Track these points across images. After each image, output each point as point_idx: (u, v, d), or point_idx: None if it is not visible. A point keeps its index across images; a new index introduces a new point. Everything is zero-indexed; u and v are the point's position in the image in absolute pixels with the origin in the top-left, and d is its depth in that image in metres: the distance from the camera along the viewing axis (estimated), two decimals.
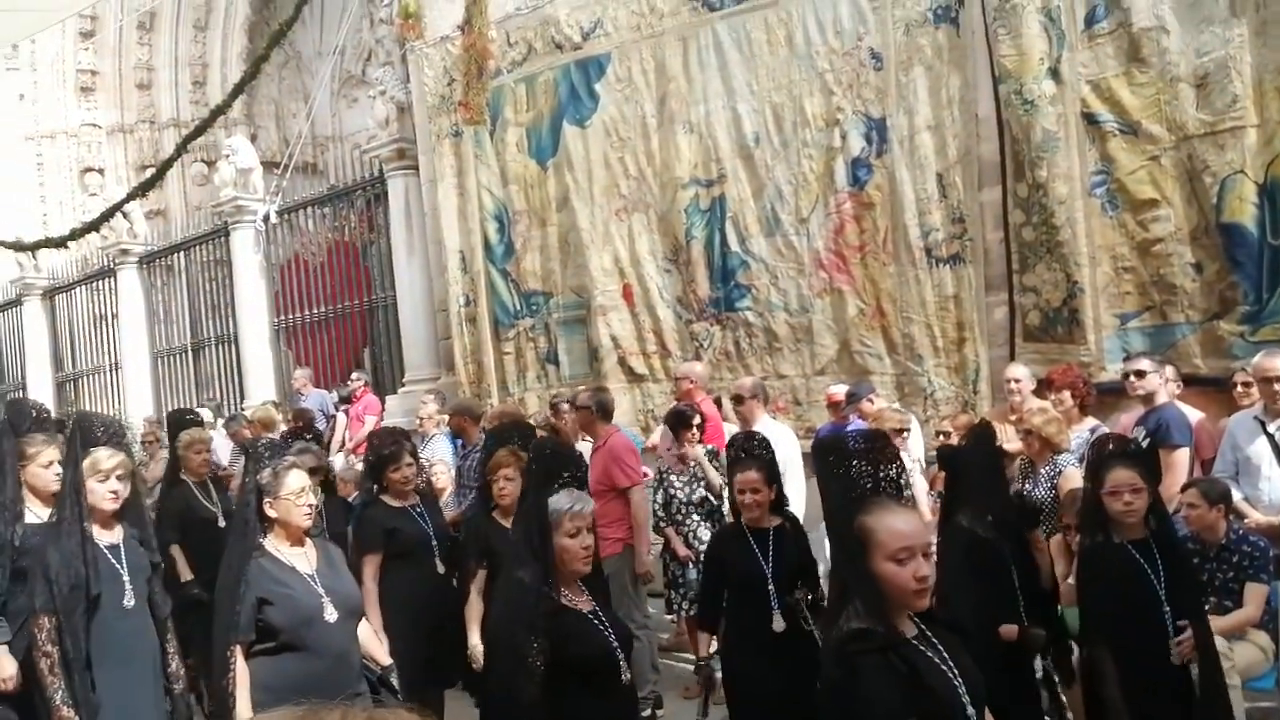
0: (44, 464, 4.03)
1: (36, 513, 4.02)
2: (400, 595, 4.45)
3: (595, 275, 8.35)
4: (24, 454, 4.03)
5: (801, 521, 4.21)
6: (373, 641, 3.77)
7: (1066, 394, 5.43)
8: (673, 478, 5.74)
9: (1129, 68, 5.91)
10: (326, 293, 11.44)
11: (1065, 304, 6.26)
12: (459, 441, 7.49)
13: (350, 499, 7.12)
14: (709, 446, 5.84)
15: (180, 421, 6.43)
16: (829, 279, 7.21)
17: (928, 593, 1.98)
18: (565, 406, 6.94)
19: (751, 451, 3.97)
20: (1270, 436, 4.70)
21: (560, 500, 2.90)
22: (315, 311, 11.56)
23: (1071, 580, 4.04)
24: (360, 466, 8.49)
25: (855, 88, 6.99)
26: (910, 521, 2.02)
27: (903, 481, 2.16)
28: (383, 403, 9.96)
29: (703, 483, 5.66)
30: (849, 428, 6.15)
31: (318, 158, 14.56)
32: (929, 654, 2.05)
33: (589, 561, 2.91)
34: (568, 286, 8.64)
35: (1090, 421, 5.42)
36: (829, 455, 2.05)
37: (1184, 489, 4.42)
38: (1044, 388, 5.73)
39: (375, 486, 4.71)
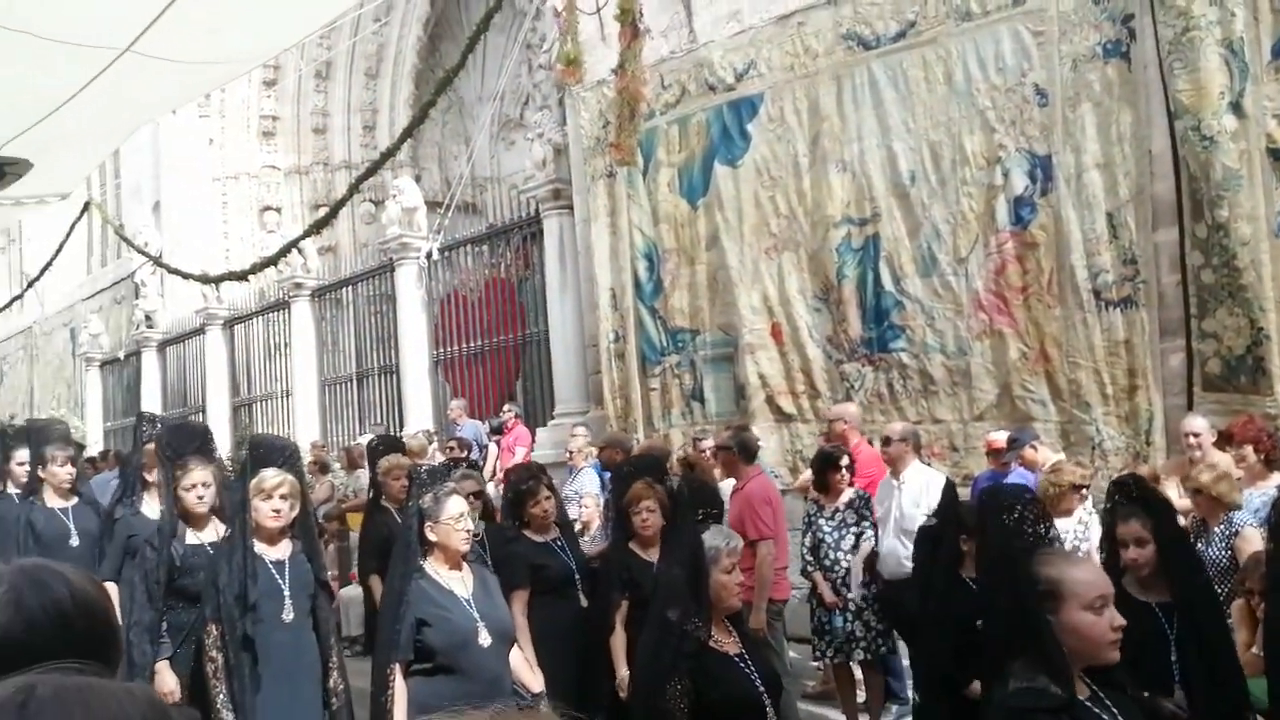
0: (186, 487, 4.25)
1: (194, 533, 4.28)
2: (547, 629, 4.50)
3: (743, 313, 8.35)
4: (176, 477, 4.27)
5: None
6: (524, 668, 3.84)
7: (1249, 449, 5.06)
8: (821, 521, 5.63)
9: None
10: (482, 327, 11.83)
11: (1249, 351, 5.86)
12: (607, 474, 7.60)
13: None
14: (859, 490, 5.71)
15: (381, 448, 6.66)
16: (989, 321, 6.97)
17: (1119, 643, 1.87)
18: (707, 443, 6.95)
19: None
20: None
21: (715, 537, 2.90)
22: (471, 345, 11.96)
23: (1257, 650, 3.73)
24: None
25: (1018, 124, 6.79)
26: (1096, 570, 1.93)
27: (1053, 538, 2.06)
28: (533, 435, 10.20)
29: (853, 528, 5.53)
30: (1010, 476, 5.91)
31: (477, 198, 15.15)
32: (1104, 717, 1.93)
33: (744, 598, 2.89)
34: (715, 324, 8.66)
35: (1277, 478, 5.03)
36: (997, 507, 1.97)
37: None
38: (1224, 441, 5.36)
39: (516, 522, 4.76)
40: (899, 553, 5.32)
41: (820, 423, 7.85)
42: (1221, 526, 4.54)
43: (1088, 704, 1.93)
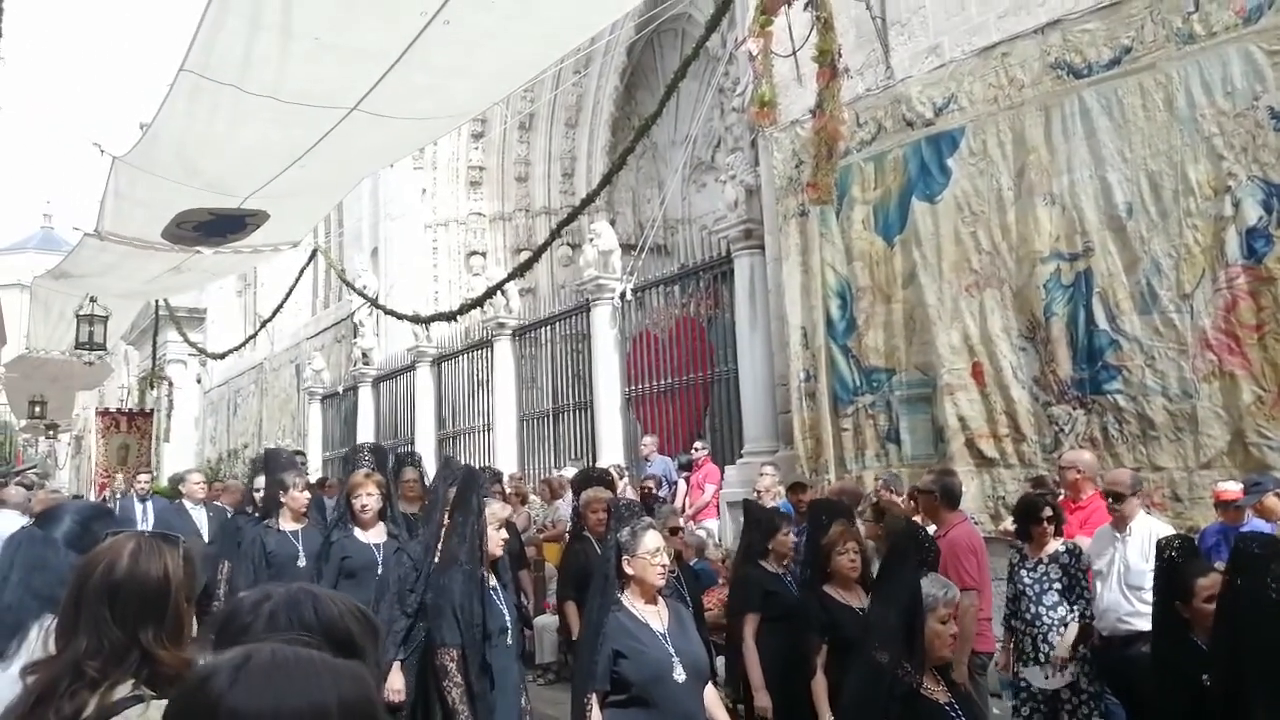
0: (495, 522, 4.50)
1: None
2: (769, 660, 4.60)
3: (942, 353, 8.07)
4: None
5: None
6: (718, 707, 3.83)
7: None
8: (1023, 573, 5.34)
9: None
10: (672, 365, 12.00)
11: None
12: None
13: (692, 564, 7.35)
14: (1069, 543, 5.39)
15: (584, 480, 6.96)
16: (1218, 361, 6.45)
17: None
18: (888, 487, 6.89)
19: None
20: None
21: (933, 585, 2.85)
22: (661, 383, 12.15)
23: None
24: (699, 533, 8.81)
25: (1250, 151, 6.29)
26: None
27: None
28: (721, 472, 10.21)
29: (1056, 583, 5.21)
30: (1244, 528, 5.42)
31: (668, 239, 15.45)
32: None
33: (955, 649, 2.81)
34: (912, 364, 8.42)
35: None
36: (1254, 560, 1.81)
37: None
38: None
39: (760, 550, 4.98)
40: (1121, 608, 4.98)
41: (1025, 468, 7.48)
42: None
43: None
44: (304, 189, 7.18)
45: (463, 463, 5.64)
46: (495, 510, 4.10)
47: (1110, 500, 5.41)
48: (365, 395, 18.69)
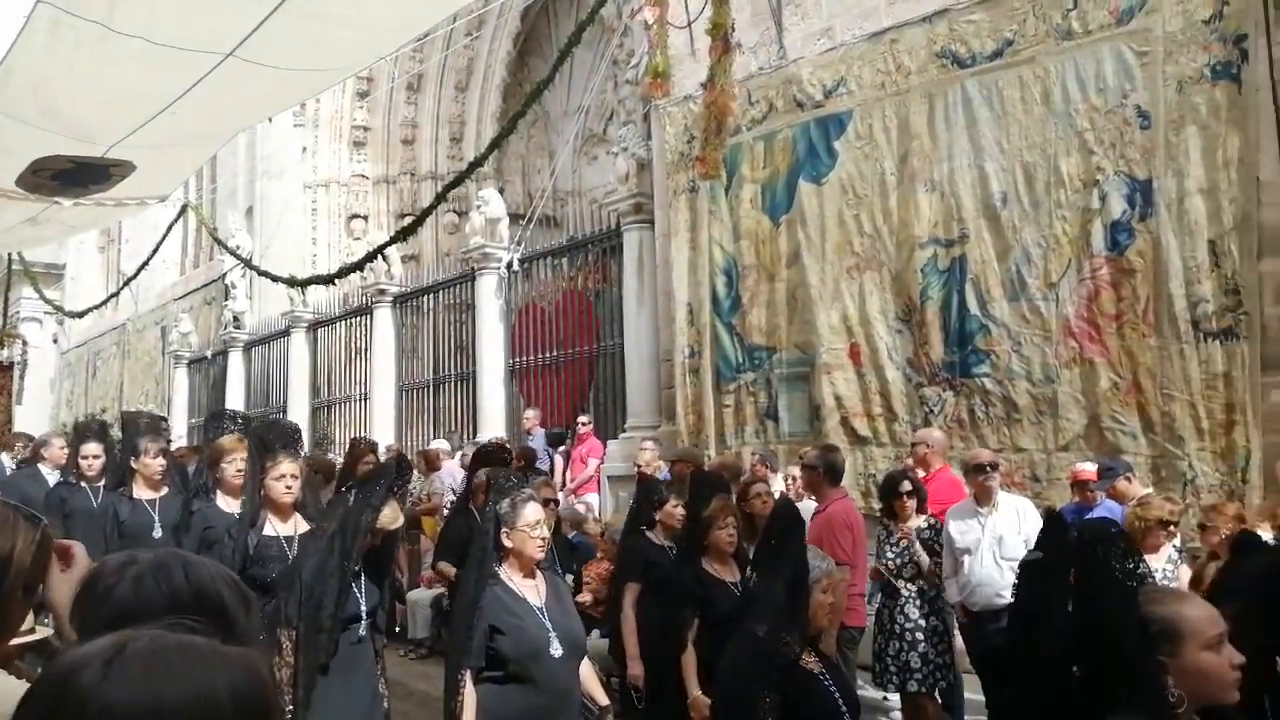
0: (276, 476, 4.35)
1: (275, 523, 4.36)
2: (648, 630, 4.59)
3: (822, 332, 8.23)
4: (266, 468, 4.37)
5: None
6: (593, 681, 3.81)
7: None
8: (886, 548, 5.52)
9: None
10: (557, 338, 11.90)
11: None
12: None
13: (570, 538, 7.32)
14: (930, 519, 5.58)
15: (484, 457, 6.78)
16: (1079, 348, 6.76)
17: (1239, 681, 1.77)
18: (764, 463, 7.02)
19: None
20: None
21: (815, 558, 2.88)
22: (545, 355, 12.04)
23: None
24: (579, 507, 8.79)
25: (1118, 147, 6.58)
26: (1209, 606, 1.82)
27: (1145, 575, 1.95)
28: (604, 446, 10.20)
29: (914, 557, 5.41)
30: (1096, 509, 5.70)
31: (557, 211, 15.31)
32: None
33: (831, 620, 2.86)
34: (792, 342, 8.56)
35: None
36: (1099, 543, 1.87)
37: None
38: None
39: (647, 521, 4.95)
40: (996, 583, 5.16)
41: (896, 446, 7.70)
42: None
43: None
44: (174, 140, 6.77)
45: (396, 456, 5.49)
46: (386, 518, 3.93)
47: (969, 473, 5.63)
48: (236, 361, 17.95)
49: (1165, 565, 4.89)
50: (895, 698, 5.70)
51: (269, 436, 4.57)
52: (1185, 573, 4.88)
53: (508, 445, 8.24)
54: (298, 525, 4.38)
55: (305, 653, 3.69)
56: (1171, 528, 4.98)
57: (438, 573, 6.31)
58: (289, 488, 4.37)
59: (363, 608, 3.90)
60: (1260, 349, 6.02)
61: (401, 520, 4.07)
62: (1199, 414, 6.21)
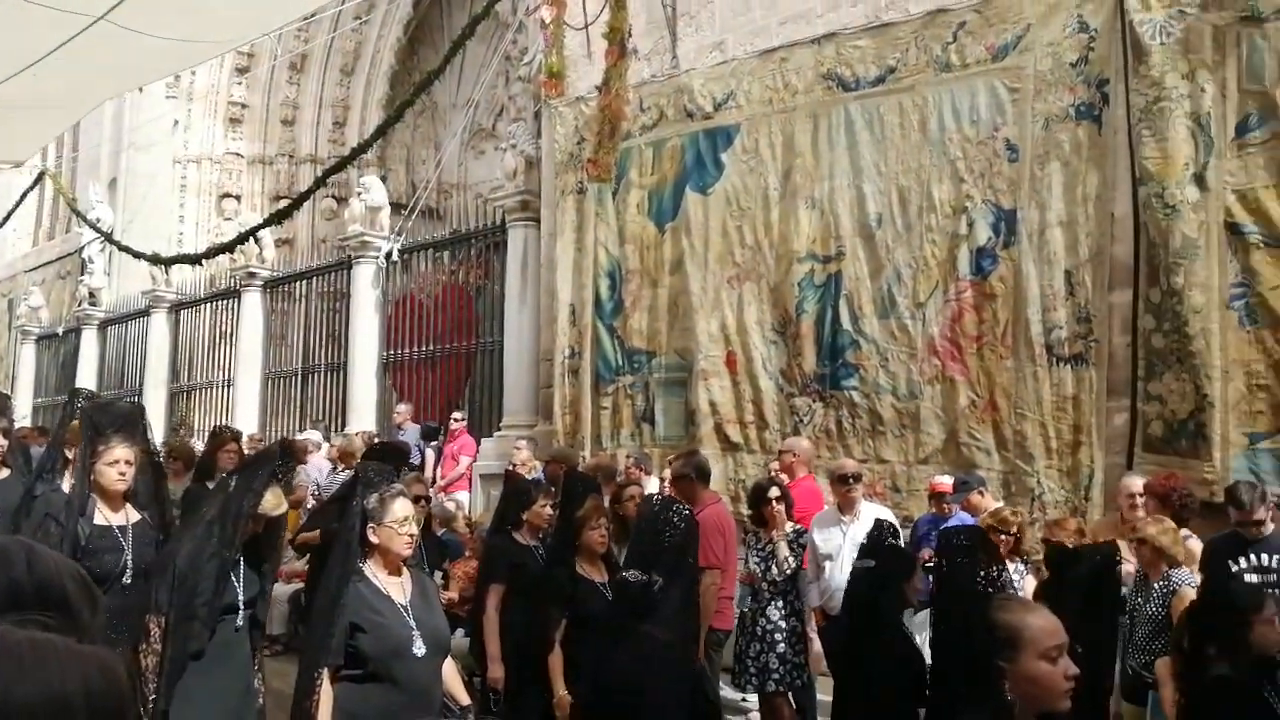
0: (109, 462, 4.10)
1: (106, 513, 4.13)
2: (514, 630, 4.53)
3: (701, 340, 8.35)
4: (97, 452, 4.12)
5: None
6: (455, 680, 3.75)
7: (1154, 503, 5.16)
8: (753, 552, 5.64)
9: None
10: (434, 332, 11.71)
11: (1192, 417, 5.98)
12: (552, 488, 7.54)
13: (439, 535, 7.21)
14: (796, 526, 5.72)
15: (375, 453, 6.53)
16: (941, 367, 7.05)
17: (1070, 691, 1.87)
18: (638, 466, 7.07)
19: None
20: None
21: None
22: (421, 349, 11.84)
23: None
24: (449, 505, 8.66)
25: (987, 177, 6.90)
26: (1052, 618, 1.92)
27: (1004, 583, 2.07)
28: (478, 444, 10.09)
29: (777, 563, 5.53)
30: (950, 520, 5.96)
31: (441, 204, 15.05)
32: None
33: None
34: (672, 348, 8.66)
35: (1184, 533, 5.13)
36: (956, 549, 1.97)
37: None
38: (1146, 493, 5.45)
39: (513, 521, 4.87)
40: None
41: (766, 454, 7.87)
42: (1161, 583, 4.61)
43: None
44: (33, 102, 6.37)
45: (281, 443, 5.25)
46: (269, 504, 3.78)
47: (836, 482, 5.81)
48: (89, 339, 16.99)
49: (1012, 576, 5.13)
50: (753, 699, 5.82)
51: (101, 419, 4.30)
52: (1030, 583, 5.14)
53: (383, 440, 8.06)
54: (129, 515, 4.17)
55: (174, 641, 3.53)
56: (1005, 537, 5.20)
57: (301, 542, 6.08)
58: (122, 474, 4.13)
59: (240, 597, 3.76)
60: (1107, 375, 6.40)
61: (285, 507, 3.93)
62: (1049, 434, 6.56)
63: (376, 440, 8.90)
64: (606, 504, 5.02)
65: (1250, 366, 5.80)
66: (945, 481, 6.27)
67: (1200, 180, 5.97)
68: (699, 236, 8.45)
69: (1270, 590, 4.21)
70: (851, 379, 7.50)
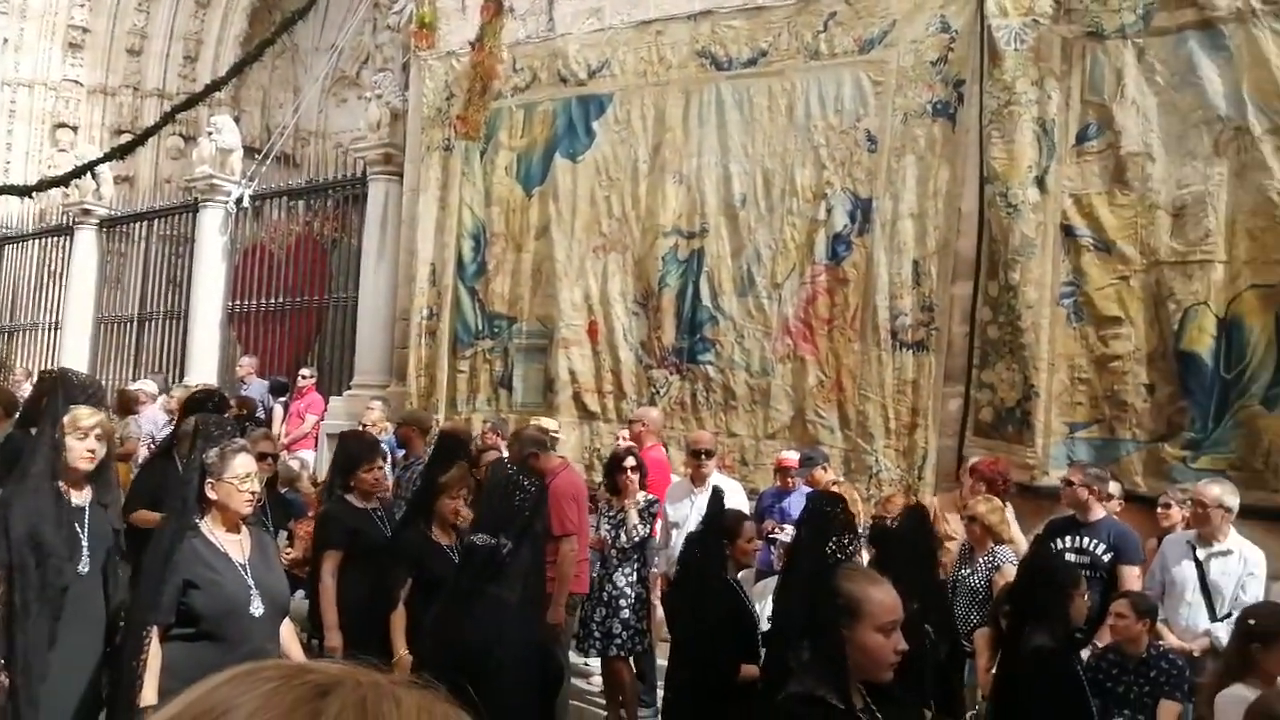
0: None
1: None
2: (349, 596, 4.41)
3: (563, 307, 8.34)
4: None
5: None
6: (293, 642, 3.67)
7: (983, 485, 5.50)
8: (604, 519, 5.70)
9: (1112, 188, 6.12)
10: (285, 284, 11.29)
11: (1019, 405, 6.38)
12: (401, 451, 7.40)
13: (283, 494, 6.99)
14: (649, 496, 5.80)
15: (195, 403, 6.17)
16: (793, 346, 7.28)
17: (896, 665, 1.98)
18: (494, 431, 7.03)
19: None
20: (1198, 563, 4.80)
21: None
22: (270, 301, 11.39)
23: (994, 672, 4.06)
24: (293, 463, 8.38)
25: (847, 166, 7.13)
26: (893, 594, 2.02)
27: (853, 552, 2.18)
28: (326, 402, 9.81)
29: (627, 530, 5.61)
30: (793, 494, 6.18)
31: (297, 150, 14.44)
32: None
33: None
34: (534, 314, 8.61)
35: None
36: (813, 519, 2.05)
37: (1115, 599, 4.49)
38: (969, 474, 5.79)
39: (342, 485, 4.71)
40: None
41: (622, 424, 7.96)
42: (986, 557, 4.91)
43: (861, 715, 2.02)
44: None
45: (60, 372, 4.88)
46: (79, 417, 3.56)
47: (697, 457, 5.93)
48: None
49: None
50: (595, 662, 5.91)
51: None
52: (864, 557, 5.39)
53: (223, 394, 7.68)
54: None
55: (20, 594, 3.32)
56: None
57: (137, 522, 5.78)
58: None
59: (84, 543, 3.56)
60: (945, 361, 6.75)
61: (98, 418, 3.71)
62: (888, 415, 6.88)
63: (199, 388, 8.48)
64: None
65: (1074, 361, 6.22)
66: (791, 457, 6.49)
67: (1041, 183, 6.34)
68: (567, 203, 8.42)
69: (1084, 571, 4.55)
70: (708, 354, 7.65)
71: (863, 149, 7.08)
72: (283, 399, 10.04)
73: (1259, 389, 5.64)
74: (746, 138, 7.56)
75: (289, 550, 5.79)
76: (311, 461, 9.19)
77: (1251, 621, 3.61)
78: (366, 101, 10.44)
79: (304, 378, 9.81)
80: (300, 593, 5.36)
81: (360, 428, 7.79)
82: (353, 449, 4.88)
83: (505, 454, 6.08)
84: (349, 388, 9.97)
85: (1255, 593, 4.62)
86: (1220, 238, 5.73)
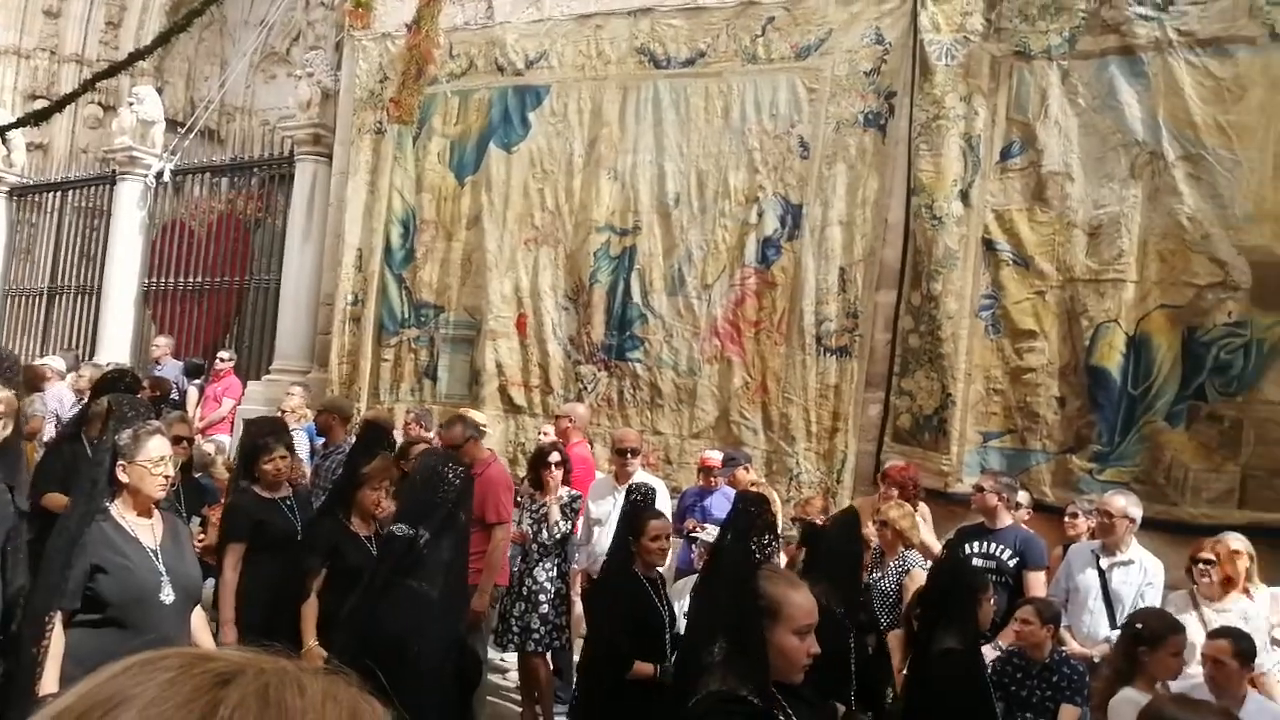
0: None
1: None
2: (256, 588, 4.28)
3: (492, 299, 8.28)
4: None
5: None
6: (204, 631, 3.57)
7: (895, 490, 5.64)
8: (526, 514, 5.69)
9: (1032, 205, 6.31)
10: (205, 263, 10.99)
11: (937, 413, 6.54)
12: (321, 440, 7.27)
13: (197, 479, 6.81)
14: (572, 491, 5.80)
15: (107, 383, 5.93)
16: (721, 347, 7.35)
17: (807, 668, 2.02)
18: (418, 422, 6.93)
19: (654, 501, 4.01)
20: (1101, 572, 4.99)
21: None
22: (188, 280, 11.08)
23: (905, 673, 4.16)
24: (208, 447, 8.16)
25: (779, 171, 7.22)
26: (811, 598, 2.06)
27: (771, 553, 2.21)
28: (244, 386, 9.58)
29: (558, 523, 5.61)
30: (714, 494, 6.23)
31: (222, 126, 14.04)
32: None
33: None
34: (462, 305, 8.53)
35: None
36: (739, 519, 2.08)
37: (1021, 605, 4.64)
38: (880, 479, 5.93)
39: (247, 475, 4.56)
40: None
41: (548, 419, 7.93)
42: (896, 561, 5.03)
43: (779, 714, 2.06)
44: None
45: None
46: None
47: (615, 451, 5.95)
48: None
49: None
50: (512, 658, 5.89)
51: None
52: (781, 558, 5.48)
53: (136, 374, 7.43)
54: None
55: None
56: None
57: (47, 505, 5.55)
58: None
59: None
60: (867, 368, 6.89)
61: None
62: (810, 418, 7.00)
63: (112, 368, 8.20)
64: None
65: (990, 372, 6.41)
66: (714, 457, 6.55)
67: (965, 197, 6.52)
68: (499, 194, 8.36)
69: (991, 576, 4.69)
70: (637, 351, 7.68)
71: (795, 155, 7.18)
72: (198, 381, 9.77)
73: (1163, 405, 5.88)
74: (682, 137, 7.60)
75: (202, 536, 5.64)
76: (228, 446, 8.97)
77: (1139, 626, 3.78)
78: (296, 79, 10.21)
79: (222, 360, 9.56)
80: (212, 581, 5.23)
81: (279, 413, 7.63)
82: (254, 438, 4.70)
83: (438, 441, 6.02)
84: (268, 372, 9.75)
85: (1153, 601, 4.78)
86: (1132, 258, 5.96)
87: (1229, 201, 5.78)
